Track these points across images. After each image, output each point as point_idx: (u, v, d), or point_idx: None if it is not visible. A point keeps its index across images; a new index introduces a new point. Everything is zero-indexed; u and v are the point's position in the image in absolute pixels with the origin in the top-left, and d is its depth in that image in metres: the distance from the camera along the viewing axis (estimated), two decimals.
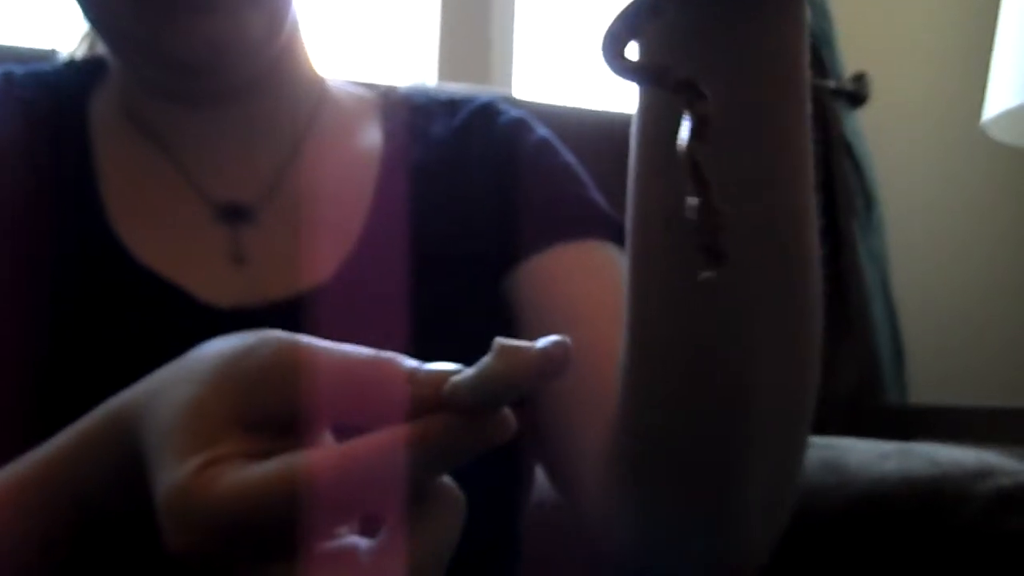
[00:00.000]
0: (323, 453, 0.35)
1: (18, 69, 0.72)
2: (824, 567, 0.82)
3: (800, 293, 0.49)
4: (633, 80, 0.38)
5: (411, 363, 0.36)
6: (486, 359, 0.35)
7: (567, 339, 0.34)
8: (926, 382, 1.69)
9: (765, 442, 0.51)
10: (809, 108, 0.46)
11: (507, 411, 0.36)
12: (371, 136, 0.73)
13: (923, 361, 1.70)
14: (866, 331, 1.58)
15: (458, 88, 0.87)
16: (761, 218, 0.46)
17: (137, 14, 0.61)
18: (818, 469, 0.85)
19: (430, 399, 0.35)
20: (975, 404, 1.56)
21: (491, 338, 0.66)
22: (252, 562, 0.35)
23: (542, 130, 0.75)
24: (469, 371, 0.35)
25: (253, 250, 0.66)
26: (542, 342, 0.34)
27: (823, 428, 0.67)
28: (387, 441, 0.34)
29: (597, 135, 0.90)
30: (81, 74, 0.72)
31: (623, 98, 1.44)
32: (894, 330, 1.64)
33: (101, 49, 0.73)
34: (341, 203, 0.68)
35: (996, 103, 1.49)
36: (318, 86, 0.73)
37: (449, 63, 1.60)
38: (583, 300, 0.66)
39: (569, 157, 0.74)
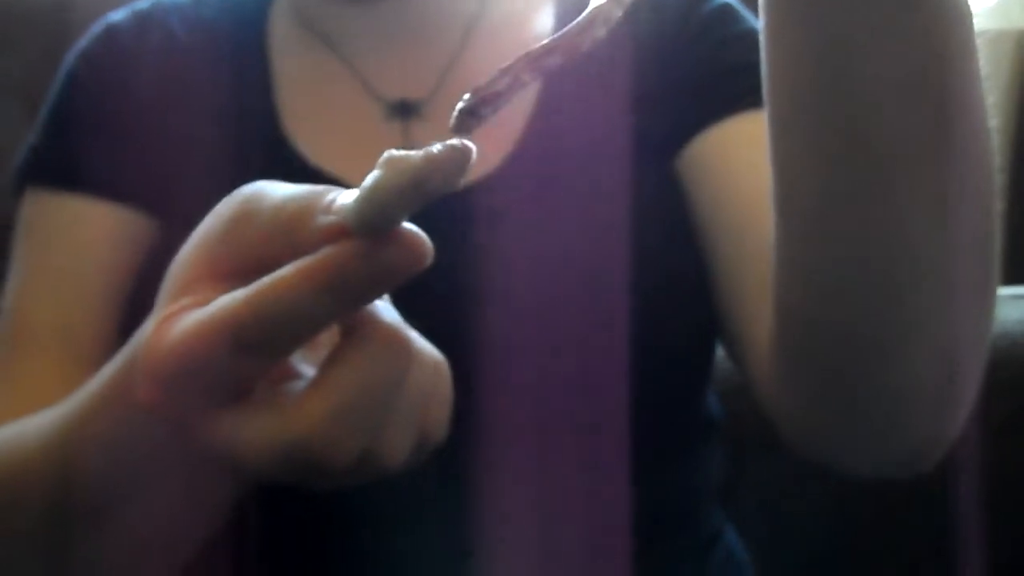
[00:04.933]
0: (233, 295, 0.34)
1: None
2: None
3: (960, 141, 0.44)
4: None
5: (335, 193, 0.34)
6: (372, 173, 0.32)
7: (464, 142, 0.32)
8: None
9: (935, 308, 0.47)
10: None
11: (414, 232, 0.33)
12: (543, 22, 0.73)
13: None
14: None
15: None
16: (904, 60, 0.42)
17: None
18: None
19: (336, 228, 0.33)
20: None
21: (669, 219, 0.67)
22: (205, 411, 0.35)
23: None
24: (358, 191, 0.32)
25: (423, 144, 0.67)
26: (433, 146, 0.31)
27: None
28: (288, 276, 0.33)
29: None
30: None
31: None
32: None
33: None
34: None
35: None
36: None
37: None
38: (756, 172, 0.61)
39: (752, 22, 0.70)
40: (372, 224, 0.32)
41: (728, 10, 0.71)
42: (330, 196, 0.34)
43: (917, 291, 0.47)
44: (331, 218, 0.33)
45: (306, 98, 0.70)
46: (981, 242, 0.47)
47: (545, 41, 0.36)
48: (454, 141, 0.31)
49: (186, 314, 0.35)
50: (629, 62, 0.69)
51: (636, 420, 0.63)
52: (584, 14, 0.36)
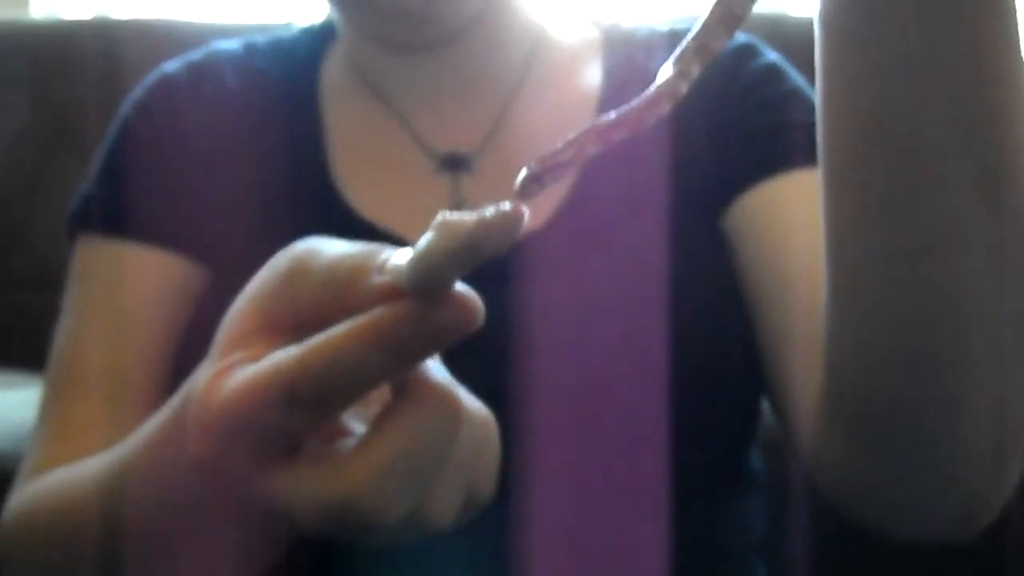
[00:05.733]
0: (287, 352, 0.34)
1: (260, 39, 0.77)
2: None
3: (1014, 191, 0.44)
4: None
5: (389, 253, 0.35)
6: (426, 235, 0.32)
7: (517, 204, 0.32)
8: None
9: (987, 374, 0.47)
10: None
11: (467, 294, 0.33)
12: (591, 76, 0.73)
13: None
14: None
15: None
16: (964, 120, 0.42)
17: None
18: None
19: (389, 289, 0.34)
20: None
21: (715, 275, 0.67)
22: (256, 465, 0.35)
23: (771, 54, 0.72)
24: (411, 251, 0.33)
25: (472, 198, 0.68)
26: (486, 209, 0.32)
27: None
28: (342, 334, 0.33)
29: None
30: (315, 38, 0.76)
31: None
32: None
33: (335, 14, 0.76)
34: None
35: None
36: (535, 29, 0.73)
37: None
38: (804, 231, 0.62)
39: (798, 82, 0.71)
40: (426, 285, 0.32)
41: (775, 69, 0.71)
42: (384, 255, 0.35)
43: (971, 352, 0.46)
44: (385, 278, 0.34)
45: (357, 150, 0.71)
46: None
47: (611, 115, 0.36)
48: (506, 205, 0.32)
49: (239, 368, 0.35)
50: (675, 118, 0.69)
51: (677, 474, 0.63)
52: (651, 89, 0.36)
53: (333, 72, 0.74)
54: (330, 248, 0.36)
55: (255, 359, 0.35)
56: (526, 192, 0.35)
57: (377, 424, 0.35)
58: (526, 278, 0.64)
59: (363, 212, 0.68)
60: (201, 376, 0.37)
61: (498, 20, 0.71)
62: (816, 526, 0.87)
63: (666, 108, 0.36)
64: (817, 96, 0.46)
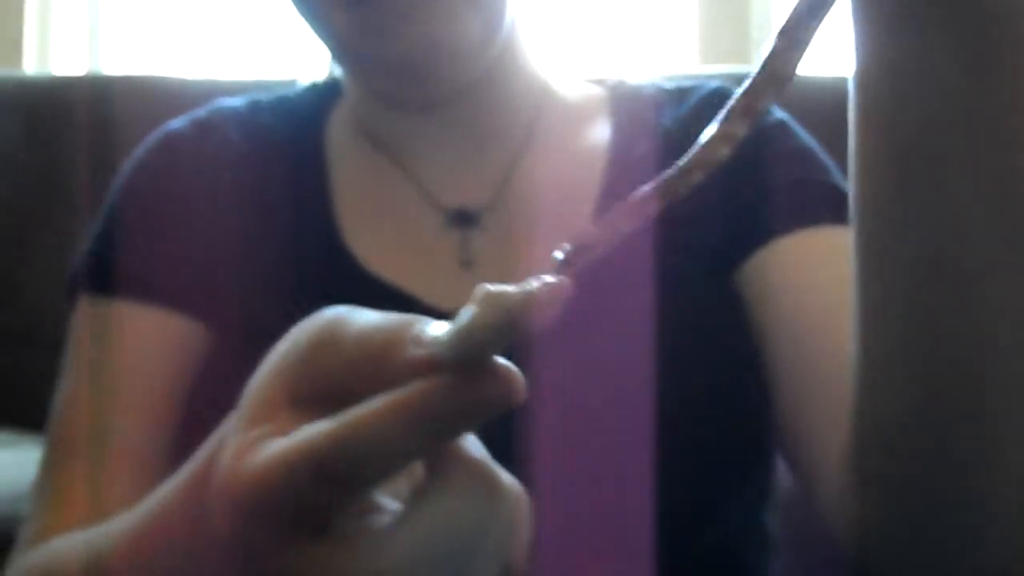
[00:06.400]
0: (318, 427, 0.33)
1: (265, 96, 0.76)
2: None
3: None
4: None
5: (425, 324, 0.34)
6: (468, 307, 0.31)
7: (561, 278, 0.31)
8: None
9: (1017, 432, 0.46)
10: None
11: (507, 368, 0.32)
12: (598, 132, 0.72)
13: None
14: None
15: (710, 73, 0.84)
16: (994, 182, 0.42)
17: (354, 24, 0.62)
18: None
19: (426, 361, 0.32)
20: None
21: (728, 334, 0.66)
22: (284, 542, 0.34)
23: (780, 113, 0.72)
24: (452, 324, 0.32)
25: (481, 254, 0.67)
26: (529, 282, 0.31)
27: None
28: (376, 410, 0.32)
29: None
30: (320, 95, 0.76)
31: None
32: None
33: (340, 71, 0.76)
34: (567, 202, 0.69)
35: None
36: (541, 86, 0.73)
37: (709, 46, 1.59)
38: (823, 289, 0.62)
39: (808, 139, 0.71)
40: (468, 360, 0.31)
41: (784, 127, 0.71)
42: (419, 327, 0.34)
43: (1002, 407, 0.45)
44: (422, 351, 0.33)
45: (364, 206, 0.70)
46: None
47: (645, 188, 0.35)
48: (548, 278, 0.31)
49: (268, 442, 0.34)
50: None
51: (683, 539, 0.61)
52: (689, 155, 0.35)
53: (338, 129, 0.74)
54: (361, 317, 0.35)
55: (283, 432, 0.34)
56: (559, 275, 0.33)
57: (412, 502, 0.34)
58: (529, 341, 0.63)
59: (372, 268, 0.67)
60: (227, 449, 0.35)
61: (504, 77, 0.70)
62: None
63: (700, 177, 0.35)
64: (851, 161, 0.45)
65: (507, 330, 0.31)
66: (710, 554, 0.65)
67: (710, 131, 0.36)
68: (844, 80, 0.44)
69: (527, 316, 0.30)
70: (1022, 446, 0.46)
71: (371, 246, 0.68)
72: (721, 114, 0.36)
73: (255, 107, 0.75)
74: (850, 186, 0.46)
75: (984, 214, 0.42)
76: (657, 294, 0.64)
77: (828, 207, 0.66)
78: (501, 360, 0.32)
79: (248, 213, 0.69)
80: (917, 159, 0.43)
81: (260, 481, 0.33)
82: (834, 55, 1.50)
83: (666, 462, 0.60)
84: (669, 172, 0.35)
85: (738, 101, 0.36)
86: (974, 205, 0.42)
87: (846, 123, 0.45)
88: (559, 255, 0.34)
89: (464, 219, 0.69)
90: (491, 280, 0.63)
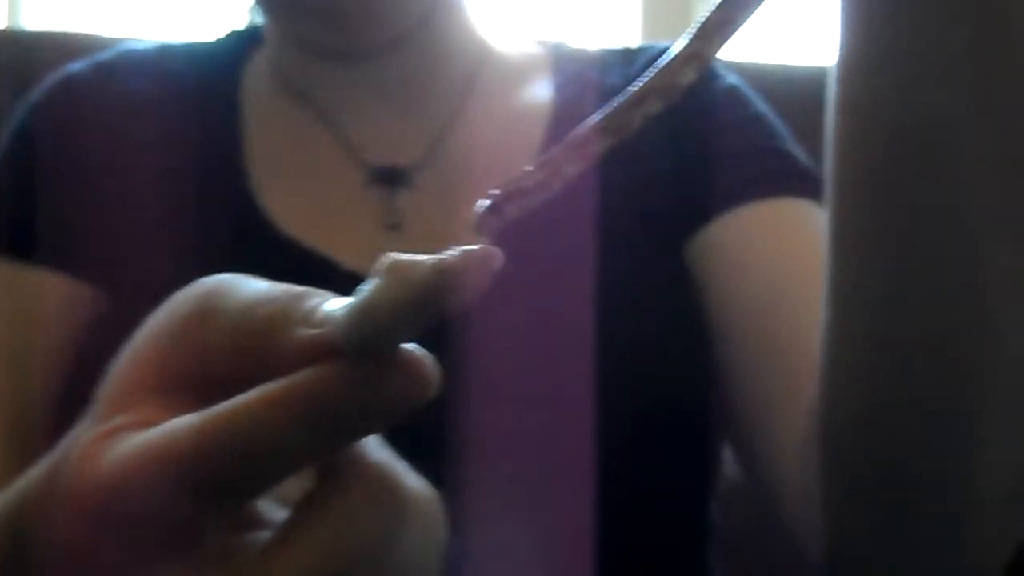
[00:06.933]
0: (185, 421, 0.26)
1: (178, 43, 0.71)
2: None
3: None
4: None
5: (318, 297, 0.27)
6: (369, 283, 0.25)
7: (487, 247, 0.25)
8: None
9: (1005, 423, 0.44)
10: None
11: (416, 356, 0.26)
12: (540, 91, 0.69)
13: None
14: None
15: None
16: (998, 163, 0.41)
17: None
18: None
19: (317, 344, 0.26)
20: None
21: (675, 309, 0.62)
22: (142, 561, 0.27)
23: (731, 77, 0.69)
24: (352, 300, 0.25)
25: (409, 216, 0.63)
26: (449, 251, 0.24)
27: None
28: (254, 403, 0.26)
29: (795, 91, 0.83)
30: (238, 43, 0.71)
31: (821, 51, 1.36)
32: None
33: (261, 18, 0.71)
34: (506, 162, 0.64)
35: None
36: (479, 43, 0.69)
37: (652, 24, 1.57)
38: (779, 264, 0.60)
39: (761, 106, 0.68)
40: (368, 345, 0.25)
41: (736, 92, 0.68)
42: (312, 301, 0.27)
43: (994, 395, 0.43)
44: (314, 331, 0.26)
45: (280, 162, 0.65)
46: None
47: (590, 121, 0.29)
48: (473, 246, 0.24)
49: (125, 436, 0.27)
50: (631, 139, 0.65)
51: (623, 526, 0.58)
52: (645, 79, 0.30)
53: (256, 80, 0.69)
54: (248, 287, 0.28)
55: (148, 424, 0.27)
56: (484, 227, 0.28)
57: (297, 516, 0.27)
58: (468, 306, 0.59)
59: (285, 228, 0.62)
60: (80, 439, 0.29)
61: (440, 29, 0.66)
62: None
63: (656, 107, 0.29)
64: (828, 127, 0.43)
65: (416, 311, 0.24)
66: (649, 543, 0.62)
67: (673, 50, 0.30)
68: (819, 69, 0.43)
69: (442, 293, 0.24)
70: (1004, 436, 0.45)
71: (286, 205, 0.63)
72: (688, 33, 0.30)
73: (165, 52, 0.70)
74: (829, 170, 0.44)
75: (983, 195, 0.41)
76: (598, 261, 0.60)
77: (783, 178, 0.64)
78: (409, 347, 0.26)
79: (151, 167, 0.64)
80: (915, 143, 0.41)
81: (110, 483, 0.26)
82: (806, 45, 1.49)
83: (604, 435, 0.56)
84: (619, 100, 0.29)
85: (712, 15, 0.30)
86: (975, 186, 0.41)
87: (821, 111, 0.44)
88: (485, 202, 0.28)
89: (391, 177, 0.64)
90: (419, 243, 0.59)
